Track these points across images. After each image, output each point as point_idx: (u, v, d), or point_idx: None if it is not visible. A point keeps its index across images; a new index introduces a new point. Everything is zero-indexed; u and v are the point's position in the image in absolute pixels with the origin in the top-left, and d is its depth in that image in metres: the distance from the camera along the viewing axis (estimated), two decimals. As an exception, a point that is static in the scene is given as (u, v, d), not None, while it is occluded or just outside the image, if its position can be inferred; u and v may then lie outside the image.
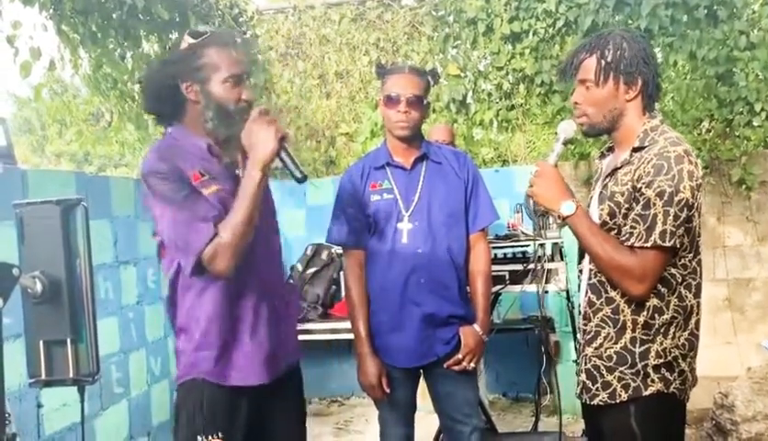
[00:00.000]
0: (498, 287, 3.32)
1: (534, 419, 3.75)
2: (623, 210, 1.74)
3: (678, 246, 1.70)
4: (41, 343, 1.44)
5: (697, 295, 1.80)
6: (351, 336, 2.47)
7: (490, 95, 5.44)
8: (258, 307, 1.86)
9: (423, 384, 2.49)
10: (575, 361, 2.00)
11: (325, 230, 2.50)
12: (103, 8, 4.09)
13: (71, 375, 1.43)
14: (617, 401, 1.77)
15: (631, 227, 1.71)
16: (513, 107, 5.41)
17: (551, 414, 4.22)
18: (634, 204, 1.71)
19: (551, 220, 3.36)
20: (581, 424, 2.86)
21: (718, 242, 4.91)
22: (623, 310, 1.77)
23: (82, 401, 1.49)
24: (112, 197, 3.63)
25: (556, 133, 1.95)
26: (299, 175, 1.75)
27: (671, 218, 1.65)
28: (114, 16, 4.16)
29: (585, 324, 1.87)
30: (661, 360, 1.75)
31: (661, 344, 1.75)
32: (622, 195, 1.74)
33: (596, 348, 1.82)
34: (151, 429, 3.85)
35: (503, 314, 3.75)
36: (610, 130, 1.84)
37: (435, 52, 5.61)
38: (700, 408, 3.69)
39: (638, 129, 1.79)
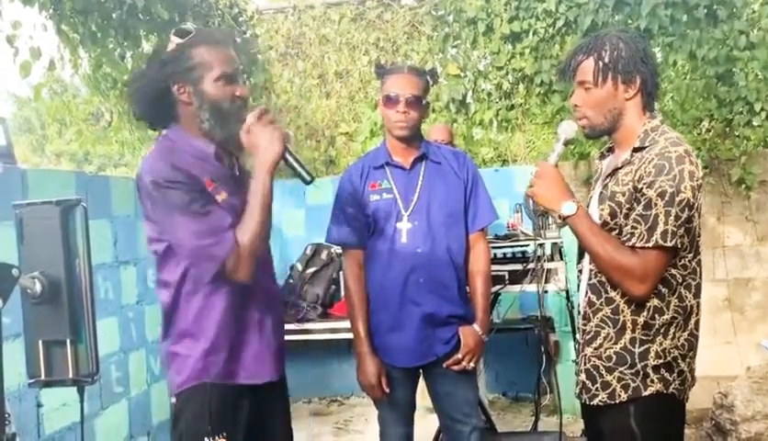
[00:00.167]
0: (497, 286, 3.32)
1: (533, 419, 3.75)
2: (624, 210, 1.74)
3: (679, 246, 1.70)
4: (41, 343, 1.44)
5: (697, 295, 1.80)
6: (351, 336, 2.47)
7: (489, 94, 5.45)
8: (263, 306, 1.87)
9: (422, 384, 2.50)
10: (575, 361, 2.01)
11: (325, 229, 2.50)
12: (103, 8, 4.09)
13: (70, 375, 1.43)
14: (617, 401, 1.78)
15: (632, 227, 1.71)
16: (512, 107, 5.41)
17: (551, 414, 4.23)
18: (635, 204, 1.71)
19: (551, 219, 3.36)
20: (581, 424, 2.87)
21: (718, 241, 4.91)
22: (623, 311, 1.77)
23: (81, 401, 1.49)
24: (112, 197, 3.64)
25: (556, 133, 1.95)
26: (307, 177, 1.76)
27: (672, 218, 1.66)
28: (114, 15, 4.16)
29: (585, 324, 1.87)
30: (661, 360, 1.75)
31: (661, 344, 1.75)
32: (623, 195, 1.75)
33: (596, 348, 1.82)
34: (150, 429, 3.85)
35: (503, 314, 3.75)
36: (611, 130, 1.84)
37: (435, 52, 5.61)
38: (700, 408, 3.69)
39: (639, 129, 1.79)
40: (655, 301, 1.74)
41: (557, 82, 4.88)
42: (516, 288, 3.36)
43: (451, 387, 2.42)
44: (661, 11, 4.92)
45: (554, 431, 3.24)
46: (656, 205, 1.66)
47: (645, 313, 1.75)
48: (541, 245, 3.29)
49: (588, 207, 1.90)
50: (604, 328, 1.81)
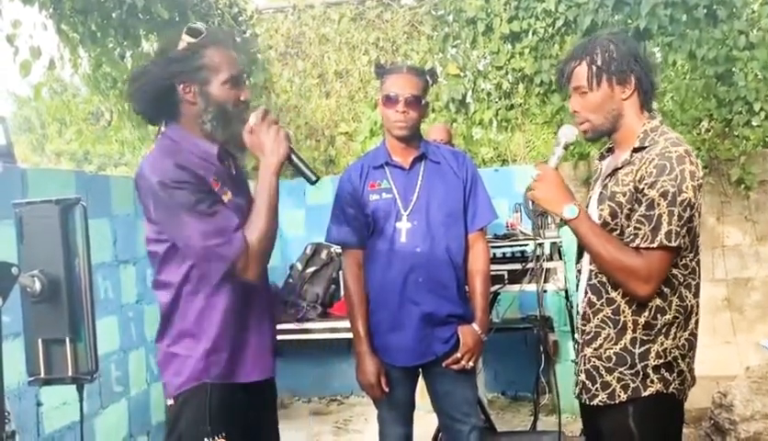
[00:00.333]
0: (497, 286, 3.33)
1: (532, 418, 3.75)
2: (625, 211, 1.75)
3: (682, 247, 1.71)
4: (40, 341, 1.44)
5: (696, 295, 1.81)
6: (350, 335, 2.47)
7: (489, 94, 5.45)
8: (260, 305, 1.87)
9: (422, 383, 2.50)
10: (574, 361, 2.01)
11: (324, 229, 2.50)
12: (102, 7, 4.10)
13: (69, 373, 1.43)
14: (616, 401, 1.78)
15: (635, 228, 1.71)
16: (512, 107, 5.42)
17: (550, 413, 4.23)
18: (636, 205, 1.72)
19: (550, 219, 3.36)
20: (580, 424, 2.86)
21: (717, 241, 4.92)
22: (623, 311, 1.78)
23: (81, 400, 1.49)
24: (112, 197, 3.64)
25: (556, 136, 1.95)
26: (312, 176, 1.76)
27: (675, 218, 1.66)
28: (113, 15, 4.17)
29: (585, 325, 1.87)
30: (661, 360, 1.75)
31: (662, 344, 1.75)
32: (624, 195, 1.75)
33: (596, 349, 1.83)
34: (150, 428, 3.85)
35: (502, 313, 3.75)
36: (611, 131, 1.85)
37: (435, 52, 5.61)
38: (698, 407, 3.70)
39: (638, 129, 1.80)
40: (657, 301, 1.74)
41: (556, 82, 4.88)
42: (515, 287, 3.36)
43: (450, 386, 2.42)
44: (661, 11, 4.92)
45: (553, 430, 3.25)
46: (659, 205, 1.67)
47: (646, 313, 1.75)
48: (540, 245, 3.29)
49: (587, 207, 1.91)
50: (604, 328, 1.81)
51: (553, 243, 3.47)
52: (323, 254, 4.63)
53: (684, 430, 1.94)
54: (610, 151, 1.96)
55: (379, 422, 2.50)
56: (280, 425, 2.03)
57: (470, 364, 2.39)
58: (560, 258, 3.43)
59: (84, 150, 13.45)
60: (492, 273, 2.87)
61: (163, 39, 4.42)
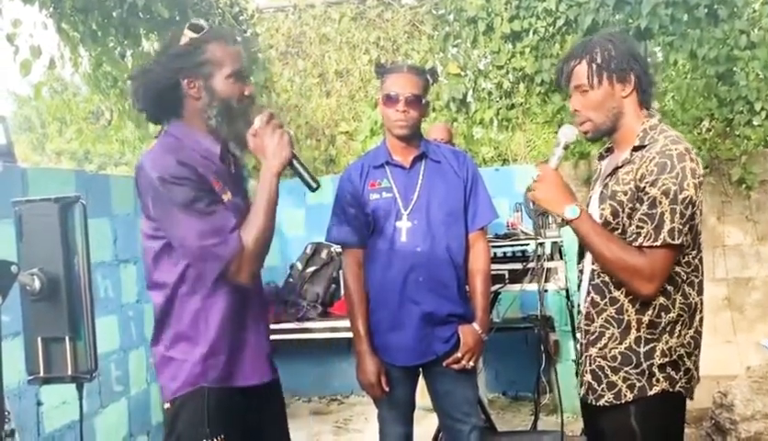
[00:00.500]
0: (497, 285, 3.32)
1: (533, 418, 3.75)
2: (626, 210, 1.75)
3: (685, 244, 1.71)
4: (40, 340, 1.43)
5: (700, 292, 1.81)
6: (350, 335, 2.47)
7: (490, 93, 5.45)
8: (257, 309, 1.86)
9: (422, 383, 2.50)
10: (575, 360, 2.01)
11: (325, 228, 2.50)
12: (103, 6, 4.09)
13: (69, 372, 1.43)
14: (623, 401, 1.78)
15: (638, 227, 1.71)
16: (513, 106, 5.41)
17: (550, 413, 4.23)
18: (638, 204, 1.72)
19: (551, 219, 3.36)
20: (581, 423, 2.86)
21: (718, 241, 4.91)
22: (627, 310, 1.78)
23: (80, 399, 1.49)
24: (112, 196, 3.64)
25: (556, 133, 1.95)
26: (312, 183, 1.75)
27: (677, 216, 1.66)
28: (114, 14, 4.16)
29: (588, 325, 1.87)
30: (667, 359, 1.75)
31: (667, 342, 1.75)
32: (625, 194, 1.75)
33: (600, 349, 1.82)
34: (150, 428, 3.85)
35: (503, 313, 3.75)
36: (612, 130, 1.85)
37: (436, 51, 5.61)
38: (699, 407, 3.69)
39: (638, 128, 1.80)
40: (661, 299, 1.74)
41: (555, 82, 4.88)
42: (516, 287, 3.36)
43: (451, 386, 2.42)
44: (662, 10, 4.91)
45: (553, 430, 3.24)
46: (661, 203, 1.67)
47: (650, 312, 1.75)
48: (541, 244, 3.28)
49: (588, 207, 1.90)
50: (608, 328, 1.81)
51: (554, 243, 3.46)
52: (324, 254, 4.63)
53: (685, 430, 1.94)
54: (609, 150, 1.96)
55: (380, 421, 2.50)
56: (280, 425, 2.02)
57: (471, 363, 2.38)
58: (561, 258, 3.43)
59: (85, 149, 13.46)
60: (493, 272, 2.86)
61: (163, 38, 4.44)
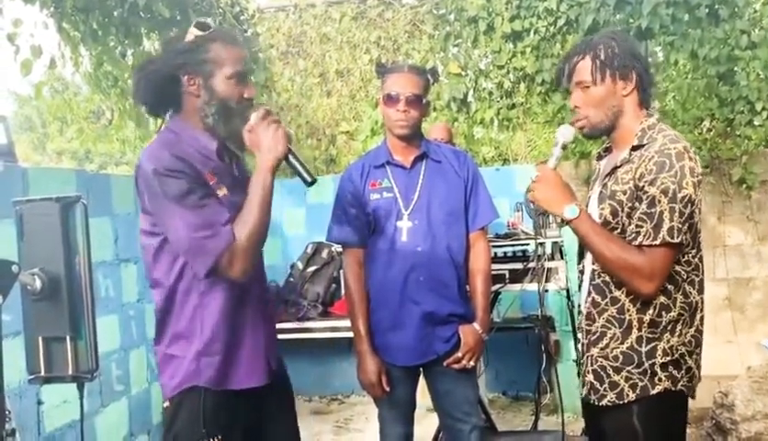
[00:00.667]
0: (498, 285, 3.32)
1: (533, 418, 3.75)
2: (626, 209, 1.75)
3: (684, 243, 1.71)
4: (41, 339, 1.44)
5: (701, 291, 1.81)
6: (351, 334, 2.47)
7: (491, 93, 5.44)
8: (256, 309, 1.85)
9: (422, 382, 2.50)
10: (575, 360, 2.01)
11: (325, 228, 2.50)
12: (104, 6, 4.09)
13: (70, 372, 1.43)
14: (626, 401, 1.78)
15: (637, 226, 1.71)
16: (513, 106, 5.41)
17: (551, 413, 4.23)
18: (637, 203, 1.72)
19: (551, 218, 3.36)
20: (581, 423, 2.86)
21: (719, 241, 4.91)
22: (628, 310, 1.78)
23: (81, 398, 1.49)
24: (113, 195, 3.64)
25: (555, 136, 1.96)
26: (308, 178, 1.75)
27: (677, 214, 1.67)
28: (115, 13, 4.16)
29: (589, 325, 1.87)
30: (669, 358, 1.75)
31: (668, 341, 1.75)
32: (624, 193, 1.75)
33: (602, 349, 1.82)
34: (151, 427, 3.86)
35: (503, 313, 3.75)
36: (610, 129, 1.85)
37: (436, 51, 5.61)
38: (700, 407, 3.69)
39: (636, 127, 1.80)
40: (661, 299, 1.75)
41: (555, 80, 4.88)
42: (517, 286, 3.36)
43: (451, 385, 2.42)
44: (663, 10, 4.91)
45: (554, 430, 3.25)
46: (660, 202, 1.67)
47: (651, 311, 1.75)
48: (541, 244, 3.29)
49: (587, 207, 1.90)
50: (610, 328, 1.81)
51: (554, 243, 3.46)
52: (324, 254, 4.63)
53: (686, 430, 1.94)
54: (608, 150, 1.97)
55: (380, 421, 2.50)
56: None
57: (471, 363, 2.38)
58: (562, 257, 3.43)
59: (86, 148, 13.48)
60: (493, 272, 2.86)
61: (164, 38, 4.44)
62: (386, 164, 2.41)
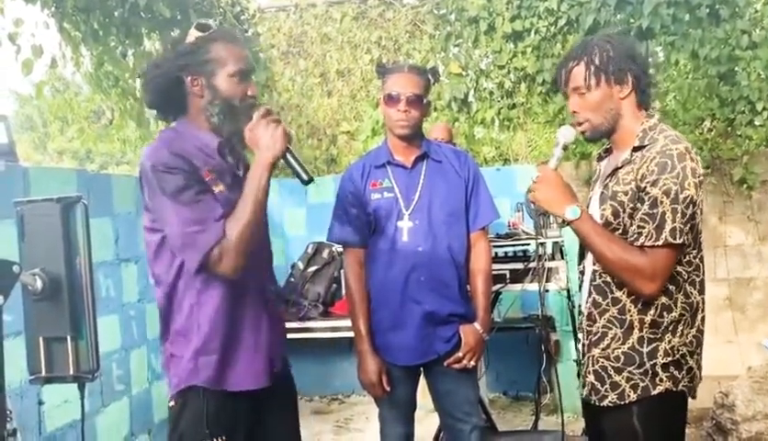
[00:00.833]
0: (498, 285, 3.33)
1: (534, 418, 3.75)
2: (627, 210, 1.75)
3: (686, 243, 1.71)
4: (41, 339, 1.44)
5: (701, 292, 1.81)
6: (352, 334, 2.47)
7: (491, 93, 5.44)
8: (258, 310, 1.85)
9: (423, 382, 2.50)
10: (575, 360, 2.01)
11: (326, 228, 2.50)
12: (104, 6, 4.10)
13: (71, 372, 1.43)
14: (627, 401, 1.78)
15: (639, 227, 1.71)
16: (514, 106, 5.41)
17: (551, 413, 4.23)
18: (638, 204, 1.72)
19: (552, 218, 3.36)
20: (582, 423, 2.86)
21: (720, 241, 4.91)
22: (629, 310, 1.78)
23: (82, 398, 1.49)
24: (113, 195, 3.64)
25: (556, 137, 1.96)
26: (305, 176, 1.75)
27: (678, 215, 1.67)
28: (116, 13, 4.16)
29: (590, 326, 1.87)
30: (670, 358, 1.75)
31: (670, 342, 1.76)
32: (625, 194, 1.75)
33: (603, 349, 1.82)
34: (152, 427, 3.86)
35: (504, 313, 3.75)
36: (610, 131, 1.85)
37: (437, 51, 5.60)
38: (700, 407, 3.69)
39: (637, 128, 1.80)
40: (663, 299, 1.75)
41: (553, 84, 4.88)
42: (517, 286, 3.36)
43: (452, 385, 2.42)
44: (663, 10, 4.91)
45: (554, 430, 3.25)
46: (662, 203, 1.67)
47: (652, 312, 1.75)
48: (542, 244, 3.29)
49: (588, 208, 1.90)
50: (611, 329, 1.81)
51: (555, 243, 3.46)
52: (325, 253, 4.63)
53: (686, 430, 1.94)
54: (608, 151, 1.97)
55: (380, 421, 2.50)
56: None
57: (472, 363, 2.39)
58: (562, 258, 3.43)
59: (86, 148, 13.49)
60: (494, 272, 2.86)
61: (164, 38, 4.44)
62: (387, 164, 2.41)
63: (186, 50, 1.78)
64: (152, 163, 1.69)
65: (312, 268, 4.58)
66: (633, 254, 1.71)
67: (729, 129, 4.95)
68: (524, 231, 3.87)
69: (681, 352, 1.77)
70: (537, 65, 5.25)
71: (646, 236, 1.70)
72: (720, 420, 3.45)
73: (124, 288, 3.68)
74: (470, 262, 2.44)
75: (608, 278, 1.81)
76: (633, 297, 1.77)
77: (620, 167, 1.80)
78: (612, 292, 1.81)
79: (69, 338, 1.42)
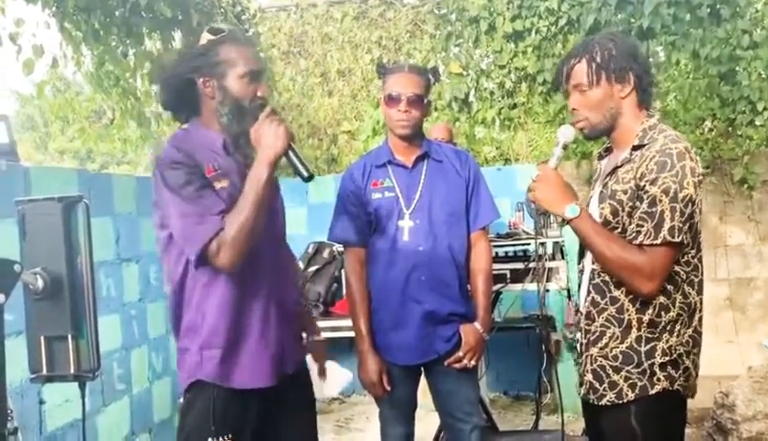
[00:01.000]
0: (499, 285, 3.33)
1: (534, 417, 3.76)
2: (626, 208, 1.75)
3: (685, 242, 1.71)
4: (43, 339, 1.44)
5: (700, 292, 1.81)
6: (352, 334, 2.47)
7: (492, 93, 5.45)
8: (268, 307, 1.85)
9: (423, 382, 2.50)
10: (575, 360, 2.01)
11: (327, 228, 2.50)
12: (105, 6, 4.10)
13: (72, 370, 1.44)
14: (624, 400, 1.78)
15: (638, 226, 1.71)
16: (515, 106, 5.41)
17: (551, 413, 4.23)
18: (638, 202, 1.72)
19: (552, 218, 3.36)
20: (582, 423, 2.86)
21: (720, 241, 4.91)
22: (627, 309, 1.78)
23: (83, 397, 1.50)
24: (114, 195, 3.64)
25: (556, 136, 1.96)
26: (305, 173, 1.76)
27: (677, 214, 1.67)
28: (116, 13, 4.17)
29: (589, 325, 1.87)
30: (668, 358, 1.76)
31: (667, 341, 1.76)
32: (625, 193, 1.75)
33: (602, 348, 1.83)
34: (152, 426, 3.86)
35: (504, 313, 3.75)
36: (610, 130, 1.85)
37: (438, 51, 5.61)
38: (701, 407, 3.69)
39: (637, 128, 1.80)
40: (661, 299, 1.75)
41: (554, 81, 4.88)
42: (518, 286, 3.36)
43: (452, 385, 2.42)
44: (664, 10, 4.91)
45: (555, 429, 3.25)
46: (661, 202, 1.67)
47: (650, 311, 1.75)
48: (542, 244, 3.30)
49: (587, 207, 1.91)
50: (609, 328, 1.81)
51: (555, 243, 3.47)
52: (325, 253, 4.63)
53: (687, 430, 1.94)
54: (608, 150, 1.97)
55: (381, 420, 2.50)
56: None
57: (472, 363, 2.39)
58: (563, 257, 3.43)
59: (87, 148, 13.49)
60: (495, 272, 2.87)
61: (165, 37, 4.45)
62: (387, 164, 2.42)
63: (199, 52, 1.83)
64: (161, 160, 1.75)
65: (313, 268, 4.58)
66: (632, 252, 1.71)
67: (730, 129, 4.95)
68: (524, 231, 3.87)
69: (678, 352, 1.77)
70: (538, 65, 5.25)
71: (645, 235, 1.70)
72: (721, 420, 3.45)
73: (125, 288, 3.68)
74: (471, 261, 2.44)
75: (607, 278, 1.82)
76: (631, 296, 1.77)
77: (620, 166, 1.80)
78: (610, 291, 1.81)
79: (70, 337, 1.43)
